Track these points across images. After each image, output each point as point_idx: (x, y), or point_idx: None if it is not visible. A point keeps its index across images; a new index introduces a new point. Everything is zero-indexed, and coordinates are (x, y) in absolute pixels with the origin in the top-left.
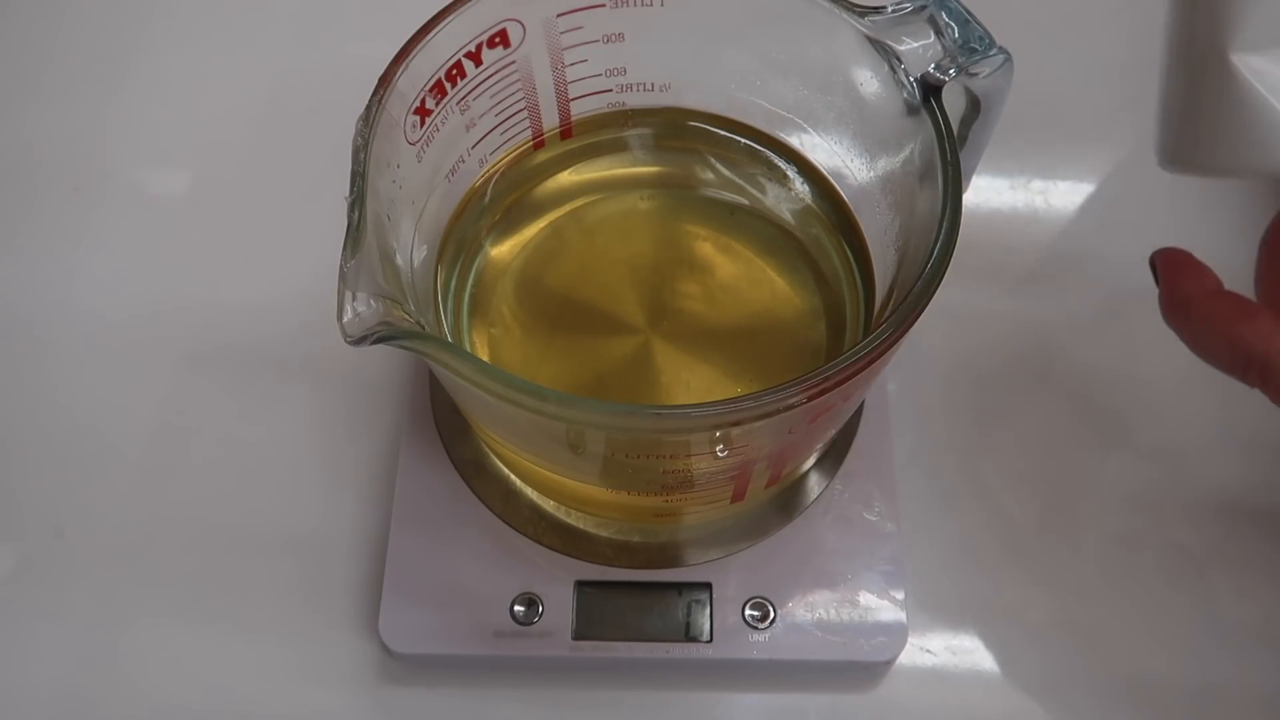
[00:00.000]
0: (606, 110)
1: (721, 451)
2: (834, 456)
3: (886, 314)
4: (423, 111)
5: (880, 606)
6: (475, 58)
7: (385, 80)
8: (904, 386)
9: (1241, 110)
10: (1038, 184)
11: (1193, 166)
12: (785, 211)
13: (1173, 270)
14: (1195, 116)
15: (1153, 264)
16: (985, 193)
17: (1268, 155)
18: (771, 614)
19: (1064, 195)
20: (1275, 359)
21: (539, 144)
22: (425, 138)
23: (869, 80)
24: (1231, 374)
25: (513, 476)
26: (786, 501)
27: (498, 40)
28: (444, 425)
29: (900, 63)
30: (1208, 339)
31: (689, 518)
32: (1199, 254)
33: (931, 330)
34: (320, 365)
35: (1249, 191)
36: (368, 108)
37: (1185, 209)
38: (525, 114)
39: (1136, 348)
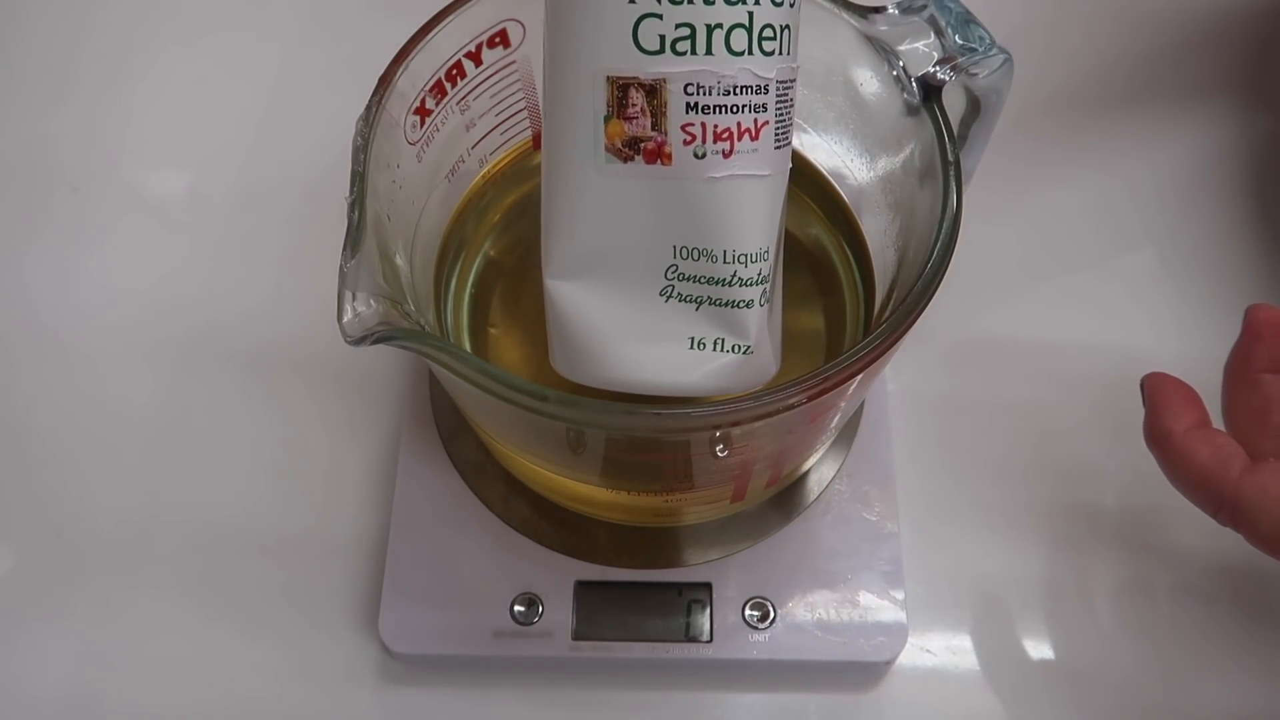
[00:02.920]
0: None
1: (721, 451)
2: (834, 457)
3: (886, 314)
4: (423, 111)
5: (880, 606)
6: (475, 58)
7: (385, 80)
8: (904, 386)
9: (559, 328)
10: (1040, 185)
11: (565, 374)
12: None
13: (1159, 400)
14: (550, 332)
15: (1142, 387)
16: (988, 193)
17: (582, 369)
18: (771, 614)
19: (1067, 199)
20: (1243, 505)
21: (539, 144)
22: (425, 138)
23: (869, 80)
24: (1204, 510)
25: (513, 476)
26: (786, 501)
27: (498, 40)
28: (444, 425)
29: (900, 62)
30: (1183, 476)
31: (689, 517)
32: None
33: (933, 330)
34: (320, 365)
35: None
36: (368, 108)
37: (1183, 206)
38: (525, 114)
39: (1140, 350)
